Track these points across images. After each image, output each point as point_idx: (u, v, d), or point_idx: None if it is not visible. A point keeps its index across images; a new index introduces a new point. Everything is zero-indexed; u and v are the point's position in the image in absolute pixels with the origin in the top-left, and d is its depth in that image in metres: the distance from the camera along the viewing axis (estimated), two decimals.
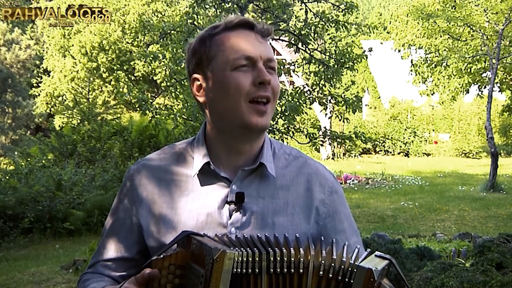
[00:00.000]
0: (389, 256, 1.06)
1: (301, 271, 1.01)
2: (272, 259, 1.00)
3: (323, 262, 1.01)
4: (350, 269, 1.00)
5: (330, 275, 1.00)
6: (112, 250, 1.26)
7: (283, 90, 8.57)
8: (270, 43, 1.27)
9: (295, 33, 8.50)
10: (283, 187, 1.23)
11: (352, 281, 0.99)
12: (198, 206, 1.20)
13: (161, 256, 1.02)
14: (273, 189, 1.22)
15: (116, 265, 1.25)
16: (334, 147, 18.13)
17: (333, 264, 1.01)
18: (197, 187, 1.21)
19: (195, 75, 1.23)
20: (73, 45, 24.56)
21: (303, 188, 1.24)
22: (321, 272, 1.01)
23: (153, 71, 23.19)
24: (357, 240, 1.29)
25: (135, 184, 1.26)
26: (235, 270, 0.98)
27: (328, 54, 8.87)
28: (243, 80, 1.16)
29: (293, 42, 8.63)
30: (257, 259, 1.00)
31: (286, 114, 8.04)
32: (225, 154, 1.23)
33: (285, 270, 1.01)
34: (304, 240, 1.08)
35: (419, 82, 15.08)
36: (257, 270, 1.00)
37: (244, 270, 0.99)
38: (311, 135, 8.78)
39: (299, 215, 1.22)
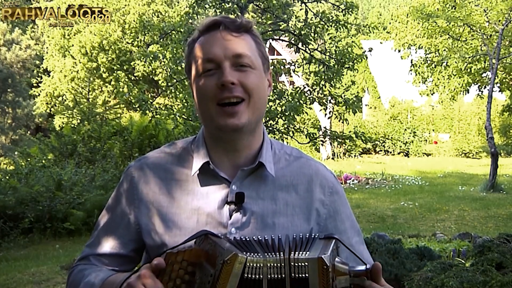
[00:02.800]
0: (332, 235, 1.05)
1: (283, 275, 0.99)
2: (268, 265, 0.98)
3: (292, 263, 0.98)
4: (301, 264, 0.97)
5: (293, 275, 0.98)
6: (107, 245, 1.26)
7: (283, 90, 8.57)
8: (271, 43, 1.23)
9: (295, 33, 8.50)
10: (283, 188, 1.23)
11: (307, 275, 0.97)
12: (198, 205, 1.19)
13: (176, 250, 1.02)
14: (273, 190, 1.22)
15: (110, 261, 1.25)
16: (334, 147, 18.12)
17: (295, 264, 0.98)
18: (197, 186, 1.21)
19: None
20: (73, 45, 24.56)
21: (303, 189, 1.24)
22: (292, 274, 0.98)
23: (153, 71, 23.21)
24: (359, 240, 1.29)
25: (135, 182, 1.25)
26: (246, 275, 0.96)
27: (328, 54, 8.88)
28: (209, 84, 1.16)
29: (293, 42, 8.64)
30: (261, 265, 0.98)
31: (286, 114, 8.04)
32: (223, 155, 1.23)
33: (273, 276, 0.99)
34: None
35: (419, 82, 15.08)
36: (261, 276, 0.98)
37: (255, 276, 0.97)
38: (311, 135, 8.78)
39: (299, 216, 1.21)
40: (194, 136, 1.30)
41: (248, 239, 1.06)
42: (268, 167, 1.21)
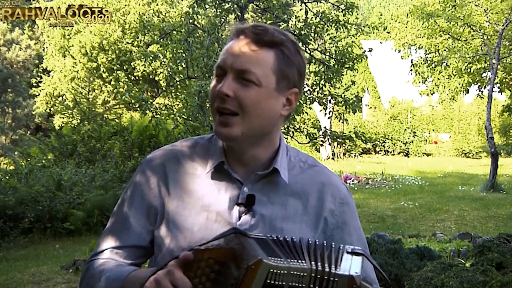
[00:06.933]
0: (360, 250, 1.03)
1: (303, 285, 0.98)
2: (292, 273, 0.96)
3: (323, 276, 0.97)
4: (331, 278, 0.96)
5: None
6: (125, 238, 1.24)
7: None
8: (282, 50, 1.18)
9: (295, 33, 8.50)
10: (294, 194, 1.23)
11: None
12: (209, 203, 1.20)
13: (204, 247, 1.01)
14: (284, 195, 1.22)
15: (128, 253, 1.24)
16: (334, 147, 18.13)
17: (325, 277, 0.97)
18: (210, 184, 1.22)
19: None
20: (73, 45, 24.56)
21: (315, 197, 1.24)
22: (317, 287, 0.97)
23: (154, 71, 23.20)
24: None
25: (149, 173, 1.25)
26: (268, 281, 0.96)
27: (328, 54, 8.88)
28: (213, 89, 1.18)
29: None
30: (285, 271, 0.96)
31: None
32: (236, 158, 1.23)
33: (294, 284, 0.97)
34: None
35: (419, 82, 15.09)
36: (283, 283, 0.96)
37: (277, 282, 0.96)
38: (311, 135, 8.78)
39: (308, 224, 1.22)
40: (211, 134, 1.29)
41: (276, 238, 1.05)
42: (282, 173, 1.22)
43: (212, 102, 1.18)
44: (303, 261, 0.99)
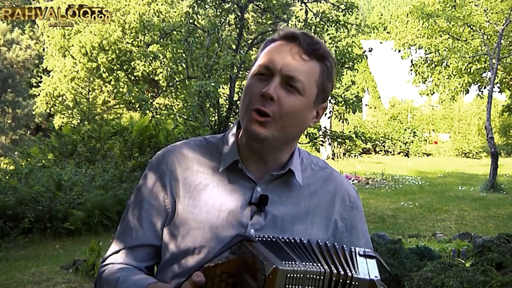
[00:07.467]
0: (372, 252, 1.04)
1: None
2: (308, 276, 0.97)
3: (341, 280, 0.98)
4: (352, 282, 0.97)
5: None
6: (139, 237, 1.23)
7: None
8: (326, 64, 1.19)
9: None
10: (306, 196, 1.24)
11: None
12: (221, 202, 1.20)
13: (213, 263, 1.01)
14: (296, 197, 1.23)
15: (143, 253, 1.24)
16: (334, 147, 18.11)
17: (348, 281, 0.98)
18: (222, 183, 1.21)
19: None
20: (73, 45, 24.56)
21: (326, 199, 1.25)
22: None
23: (154, 71, 23.21)
24: None
25: (162, 170, 1.24)
26: (287, 286, 0.96)
27: None
28: (255, 87, 1.17)
29: None
30: (301, 275, 0.97)
31: None
32: (251, 157, 1.22)
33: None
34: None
35: (419, 82, 15.09)
36: (300, 287, 0.97)
37: (295, 287, 0.97)
38: (311, 135, 8.77)
39: (318, 225, 1.23)
40: (223, 133, 1.30)
41: (283, 239, 1.05)
42: (297, 175, 1.23)
43: (251, 100, 1.16)
44: (318, 264, 0.99)
